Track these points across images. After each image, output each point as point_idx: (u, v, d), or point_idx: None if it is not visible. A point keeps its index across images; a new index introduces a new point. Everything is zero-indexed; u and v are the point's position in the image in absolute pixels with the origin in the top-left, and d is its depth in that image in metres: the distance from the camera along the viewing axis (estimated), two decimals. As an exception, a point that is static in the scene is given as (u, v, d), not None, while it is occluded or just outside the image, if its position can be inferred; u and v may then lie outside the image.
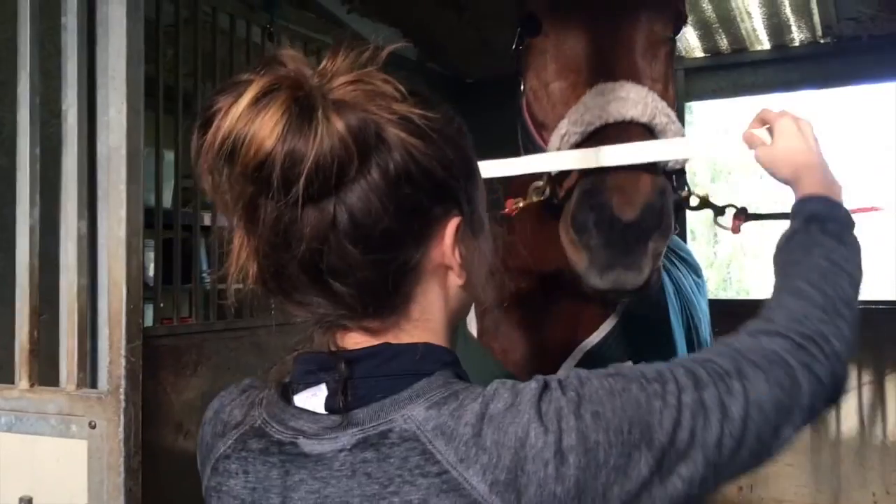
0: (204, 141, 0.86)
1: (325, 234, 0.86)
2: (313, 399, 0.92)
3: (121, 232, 1.79)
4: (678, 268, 2.48)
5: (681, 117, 1.68)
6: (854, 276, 1.07)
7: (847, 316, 1.03)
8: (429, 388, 0.87)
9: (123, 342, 1.77)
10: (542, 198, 1.53)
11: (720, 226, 1.49)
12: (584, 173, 1.36)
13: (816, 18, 3.97)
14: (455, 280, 0.95)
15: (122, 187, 1.79)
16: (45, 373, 1.94)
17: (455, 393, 0.86)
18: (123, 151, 1.80)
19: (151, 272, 3.71)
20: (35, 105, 1.95)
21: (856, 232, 1.12)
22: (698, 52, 4.52)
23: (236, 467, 0.94)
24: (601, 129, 1.37)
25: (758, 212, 1.47)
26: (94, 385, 1.86)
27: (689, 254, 2.94)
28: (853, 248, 1.10)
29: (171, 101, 3.14)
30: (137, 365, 1.80)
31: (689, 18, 4.06)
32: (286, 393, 0.95)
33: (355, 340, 0.92)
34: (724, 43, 4.36)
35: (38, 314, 1.91)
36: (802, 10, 3.91)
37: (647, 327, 1.81)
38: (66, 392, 1.84)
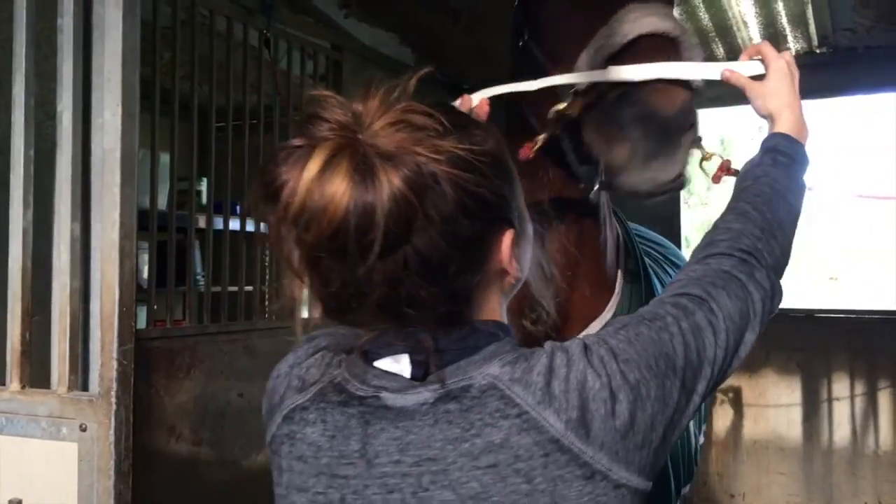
0: (273, 214, 0.92)
1: (399, 278, 0.91)
2: (395, 365, 0.98)
3: (114, 235, 1.79)
4: (670, 276, 2.49)
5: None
6: (793, 206, 1.24)
7: (779, 238, 1.19)
8: (500, 350, 0.97)
9: (115, 345, 1.77)
10: (556, 130, 1.57)
11: (704, 171, 1.55)
12: (613, 85, 1.43)
13: (812, 29, 3.98)
14: (511, 279, 1.03)
15: (116, 190, 1.79)
16: (37, 374, 1.93)
17: (523, 355, 0.97)
18: (118, 154, 1.80)
19: (145, 274, 3.70)
20: (30, 106, 1.95)
21: (807, 173, 1.29)
22: (695, 61, 4.52)
23: (314, 417, 1.00)
24: (634, 41, 1.46)
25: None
26: (85, 388, 1.86)
27: (683, 260, 2.95)
28: (797, 182, 1.26)
29: (168, 104, 3.14)
30: (129, 368, 1.80)
31: (686, 27, 4.07)
32: (366, 358, 1.00)
33: None
34: (720, 52, 4.37)
35: (30, 316, 1.91)
36: (799, 21, 3.92)
37: None
38: (57, 394, 1.84)
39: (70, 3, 1.87)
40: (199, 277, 3.77)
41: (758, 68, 1.37)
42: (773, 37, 4.09)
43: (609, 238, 1.92)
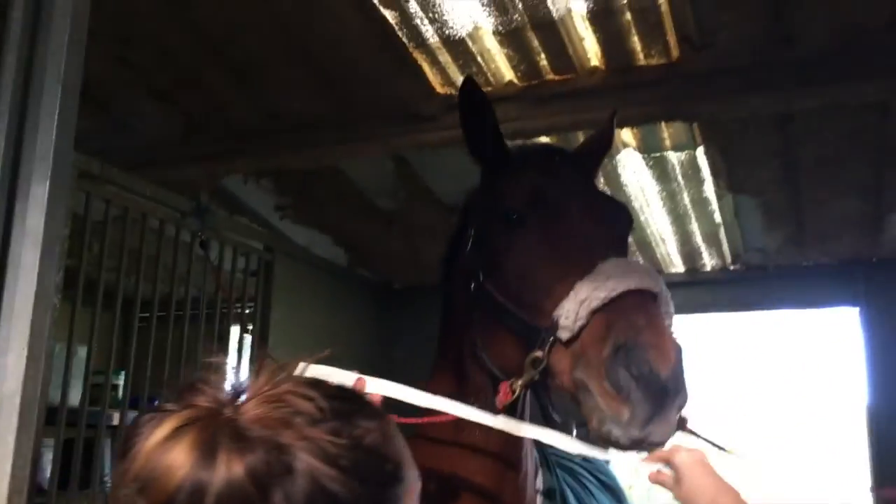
0: (120, 469, 0.90)
1: None
2: None
3: (3, 488, 1.69)
4: (592, 492, 2.42)
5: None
6: None
7: None
8: None
9: None
10: (537, 373, 1.56)
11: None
12: (609, 333, 1.46)
13: (725, 247, 4.21)
14: None
15: (11, 439, 1.71)
16: None
17: None
18: (17, 400, 1.73)
19: (48, 474, 3.48)
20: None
21: None
22: (618, 269, 4.68)
23: None
24: (622, 294, 1.50)
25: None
26: None
27: (611, 477, 2.89)
28: None
29: (91, 294, 3.10)
30: None
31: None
32: None
33: None
34: (640, 264, 4.55)
35: None
36: (712, 240, 4.14)
37: None
38: None
39: (-13, 244, 1.85)
40: (107, 479, 3.57)
41: (666, 469, 1.44)
42: (690, 253, 4.30)
43: (529, 464, 1.89)
